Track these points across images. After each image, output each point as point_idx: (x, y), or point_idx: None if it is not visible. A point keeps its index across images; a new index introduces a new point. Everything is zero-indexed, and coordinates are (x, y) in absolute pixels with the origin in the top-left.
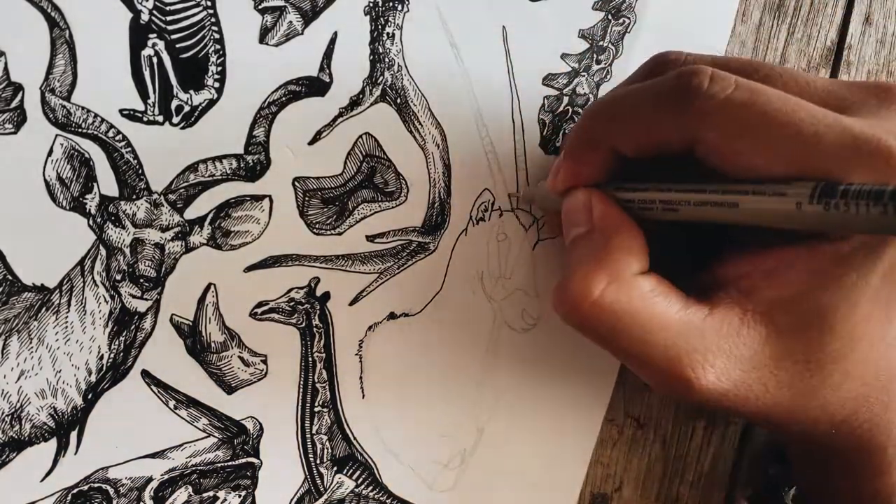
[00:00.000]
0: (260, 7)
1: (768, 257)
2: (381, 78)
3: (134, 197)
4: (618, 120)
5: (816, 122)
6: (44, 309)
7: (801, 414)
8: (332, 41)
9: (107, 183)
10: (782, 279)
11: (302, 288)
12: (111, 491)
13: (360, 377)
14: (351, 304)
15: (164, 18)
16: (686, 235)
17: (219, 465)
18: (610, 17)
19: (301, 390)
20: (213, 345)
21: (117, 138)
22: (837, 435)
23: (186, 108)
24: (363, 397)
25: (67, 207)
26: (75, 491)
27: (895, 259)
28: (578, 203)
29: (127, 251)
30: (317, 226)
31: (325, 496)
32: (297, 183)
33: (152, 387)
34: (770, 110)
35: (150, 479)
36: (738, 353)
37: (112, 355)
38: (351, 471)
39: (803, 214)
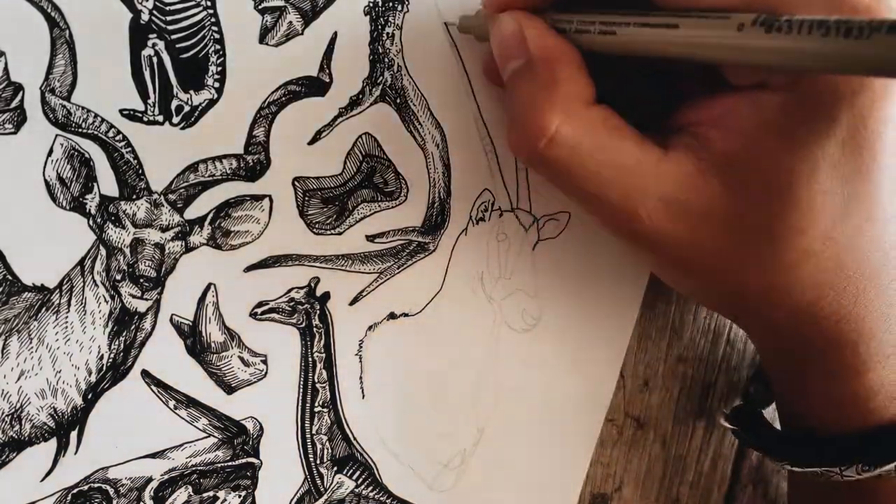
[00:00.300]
0: (260, 7)
1: (716, 104)
2: (381, 78)
3: (134, 197)
4: None
5: None
6: (44, 309)
7: (755, 289)
8: (332, 41)
9: (107, 183)
10: (730, 129)
11: (302, 288)
12: (111, 491)
13: (360, 377)
14: (351, 304)
15: (164, 18)
16: (637, 91)
17: (219, 465)
18: None
19: (301, 390)
20: (213, 345)
21: (117, 138)
22: (802, 325)
23: (186, 108)
24: (363, 397)
25: (67, 207)
26: (75, 491)
27: (853, 124)
28: (509, 30)
29: (127, 251)
30: (317, 226)
31: (325, 496)
32: (297, 183)
33: (152, 387)
34: None
35: (150, 479)
36: (691, 201)
37: (112, 355)
38: (351, 471)
39: (745, 43)
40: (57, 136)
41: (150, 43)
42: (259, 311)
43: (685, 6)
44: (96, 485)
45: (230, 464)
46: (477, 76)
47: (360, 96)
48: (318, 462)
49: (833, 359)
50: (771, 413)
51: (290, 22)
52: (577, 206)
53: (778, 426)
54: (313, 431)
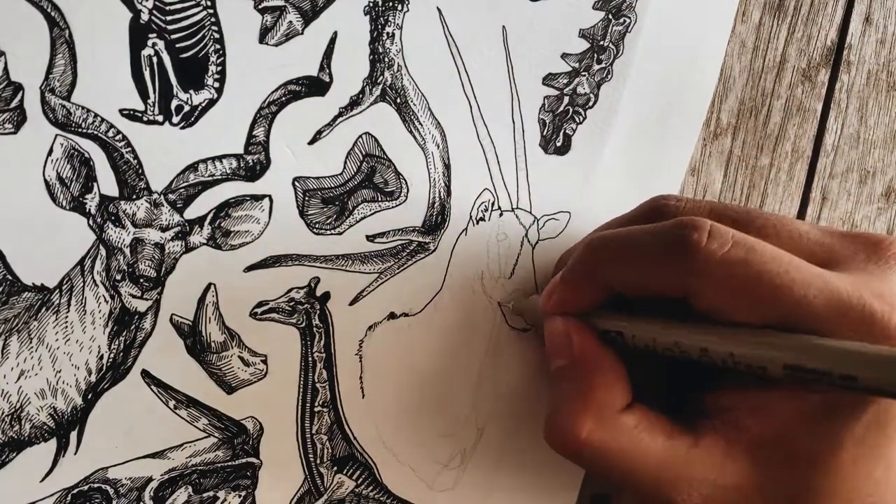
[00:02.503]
0: (260, 7)
1: (755, 395)
2: (381, 78)
3: (134, 197)
4: (616, 262)
5: (807, 284)
6: (44, 309)
7: None
8: (332, 41)
9: (107, 183)
10: (768, 417)
11: (302, 288)
12: (111, 491)
13: (360, 377)
14: (351, 303)
15: (164, 18)
16: (673, 377)
17: (219, 465)
18: (610, 16)
19: (301, 390)
20: (213, 345)
21: (117, 138)
22: None
23: (186, 108)
24: (363, 397)
25: (67, 207)
26: (75, 491)
27: (878, 412)
28: (559, 333)
29: (127, 251)
30: (317, 226)
31: (325, 496)
32: (297, 183)
33: (152, 387)
34: (764, 270)
35: (149, 480)
36: (722, 482)
37: (112, 355)
38: (351, 471)
39: (783, 374)
40: (57, 135)
41: (150, 43)
42: (259, 311)
43: (729, 321)
44: (96, 485)
45: (230, 464)
46: (477, 76)
47: (360, 96)
48: (318, 462)
49: None
50: None
51: (290, 22)
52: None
53: None
54: (313, 431)
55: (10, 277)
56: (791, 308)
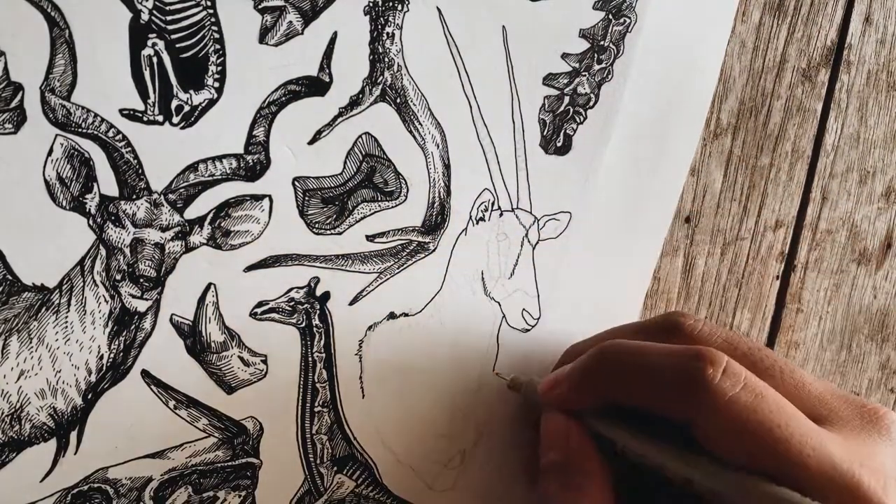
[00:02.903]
0: (260, 7)
1: None
2: (381, 78)
3: (134, 197)
4: (625, 378)
5: (804, 442)
6: (44, 309)
7: None
8: (332, 41)
9: (107, 183)
10: None
11: (302, 288)
12: (111, 491)
13: (360, 377)
14: (351, 303)
15: (164, 18)
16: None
17: (219, 465)
18: (611, 16)
19: (301, 390)
20: (213, 345)
21: (117, 138)
22: None
23: (186, 108)
24: (363, 397)
25: (67, 207)
26: (75, 491)
27: None
28: (558, 428)
29: (127, 251)
30: (317, 226)
31: (325, 496)
32: (297, 183)
33: (152, 387)
34: (766, 420)
35: (149, 480)
36: None
37: (112, 355)
38: (351, 471)
39: None
40: (57, 135)
41: (150, 43)
42: (259, 311)
43: (723, 455)
44: (96, 485)
45: (230, 464)
46: (477, 76)
47: (360, 96)
48: (318, 462)
49: None
50: None
51: (290, 22)
52: None
53: None
54: (313, 431)
55: (10, 277)
56: (784, 461)
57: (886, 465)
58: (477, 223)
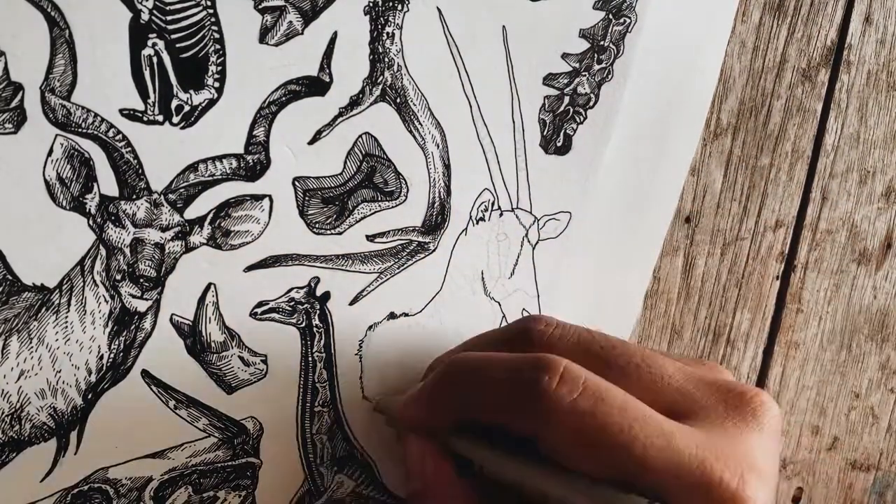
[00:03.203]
0: (260, 7)
1: None
2: (381, 78)
3: (134, 197)
4: (469, 391)
5: (649, 443)
6: (44, 309)
7: None
8: (332, 41)
9: (107, 183)
10: None
11: (302, 288)
12: (111, 491)
13: (360, 377)
14: (351, 303)
15: (164, 18)
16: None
17: (219, 465)
18: (611, 16)
19: (301, 390)
20: (213, 345)
21: (117, 138)
22: None
23: (186, 108)
24: (363, 397)
25: (67, 207)
26: (75, 491)
27: None
28: (415, 453)
29: (127, 251)
30: (317, 225)
31: (325, 496)
32: (297, 183)
33: (152, 387)
34: (608, 423)
35: (150, 480)
36: None
37: (112, 355)
38: (351, 471)
39: None
40: (57, 135)
41: (150, 43)
42: (259, 310)
43: (573, 468)
44: (96, 485)
45: (230, 464)
46: (477, 76)
47: (360, 96)
48: (318, 462)
49: None
50: None
51: (290, 21)
52: None
53: None
54: (313, 431)
55: (10, 277)
56: (629, 466)
57: (749, 455)
58: (477, 223)
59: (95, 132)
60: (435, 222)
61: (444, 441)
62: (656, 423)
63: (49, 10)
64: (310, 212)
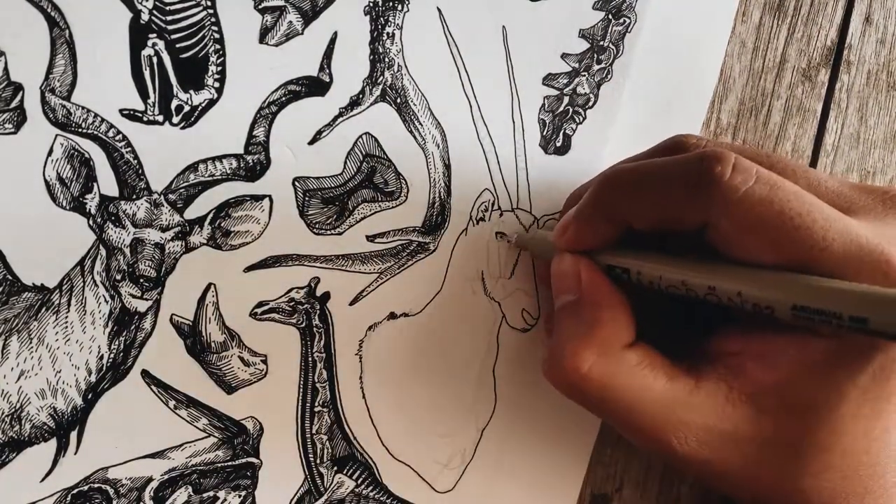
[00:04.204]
0: (260, 7)
1: (760, 341)
2: (381, 78)
3: (134, 197)
4: (634, 193)
5: (828, 226)
6: (44, 309)
7: (779, 494)
8: (332, 41)
9: (107, 183)
10: (772, 365)
11: (302, 288)
12: (111, 491)
13: (360, 377)
14: (351, 304)
15: (164, 18)
16: (677, 320)
17: (219, 465)
18: (610, 16)
19: (301, 390)
20: (213, 345)
21: (117, 138)
22: None
23: (186, 108)
24: (363, 397)
25: (67, 207)
26: (75, 491)
27: (884, 362)
28: (567, 269)
29: (127, 251)
30: (317, 226)
31: (325, 496)
32: (297, 183)
33: (152, 387)
34: (786, 209)
35: (150, 480)
36: (720, 427)
37: (112, 355)
38: (351, 471)
39: (795, 314)
40: (57, 135)
41: (150, 43)
42: (259, 311)
43: (743, 259)
44: (96, 485)
45: (230, 464)
46: (477, 76)
47: (361, 96)
48: (318, 462)
49: None
50: None
51: (290, 22)
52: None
53: None
54: (313, 431)
55: (10, 277)
56: (808, 249)
57: None
58: (477, 223)
59: (95, 132)
60: (435, 222)
61: (595, 259)
62: (830, 210)
63: (49, 10)
64: (310, 212)
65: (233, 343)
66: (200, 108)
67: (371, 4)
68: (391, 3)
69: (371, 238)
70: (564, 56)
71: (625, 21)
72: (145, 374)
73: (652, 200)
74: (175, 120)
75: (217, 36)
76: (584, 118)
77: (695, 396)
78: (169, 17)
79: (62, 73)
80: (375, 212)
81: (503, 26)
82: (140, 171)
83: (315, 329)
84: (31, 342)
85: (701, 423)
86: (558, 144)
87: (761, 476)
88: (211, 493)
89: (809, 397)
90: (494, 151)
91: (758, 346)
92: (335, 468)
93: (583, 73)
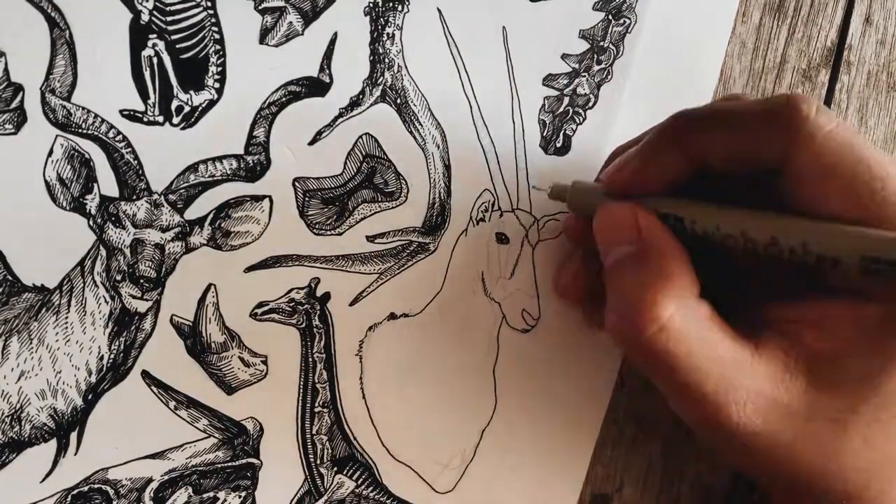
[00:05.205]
0: (260, 7)
1: (817, 308)
2: (381, 78)
3: (134, 197)
4: (718, 127)
5: None
6: (44, 309)
7: (819, 475)
8: (332, 41)
9: (107, 183)
10: (828, 332)
11: (302, 288)
12: (111, 492)
13: (360, 377)
14: (351, 304)
15: (164, 19)
16: (731, 283)
17: (219, 465)
18: (610, 17)
19: (301, 391)
20: (213, 345)
21: (117, 139)
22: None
23: (186, 109)
24: (363, 397)
25: (67, 208)
26: (75, 492)
27: None
28: (623, 218)
29: (127, 251)
30: (317, 226)
31: (325, 496)
32: (297, 183)
33: (152, 387)
34: (865, 157)
35: (150, 480)
36: (777, 396)
37: (112, 356)
38: (351, 471)
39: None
40: (57, 136)
41: (150, 43)
42: (259, 311)
43: (811, 208)
44: (96, 486)
45: (230, 464)
46: (477, 76)
47: (361, 97)
48: (318, 462)
49: None
50: None
51: (290, 22)
52: (665, 393)
53: None
54: (313, 431)
55: (11, 278)
56: (880, 201)
57: None
58: (477, 223)
59: (95, 133)
60: (435, 223)
61: (648, 207)
62: None
63: (49, 10)
64: (310, 212)
65: (233, 343)
66: (200, 108)
67: (371, 5)
68: (391, 4)
69: (371, 238)
70: (564, 56)
71: (625, 22)
72: (145, 374)
73: (733, 134)
74: (175, 120)
75: (217, 36)
76: (585, 119)
77: (756, 362)
78: (169, 18)
79: (62, 73)
80: (375, 212)
81: (503, 26)
82: (140, 172)
83: (315, 329)
84: (31, 343)
85: (759, 390)
86: (558, 145)
87: (804, 454)
88: (211, 494)
89: (864, 367)
90: (494, 151)
91: (813, 313)
92: (335, 469)
93: (583, 74)
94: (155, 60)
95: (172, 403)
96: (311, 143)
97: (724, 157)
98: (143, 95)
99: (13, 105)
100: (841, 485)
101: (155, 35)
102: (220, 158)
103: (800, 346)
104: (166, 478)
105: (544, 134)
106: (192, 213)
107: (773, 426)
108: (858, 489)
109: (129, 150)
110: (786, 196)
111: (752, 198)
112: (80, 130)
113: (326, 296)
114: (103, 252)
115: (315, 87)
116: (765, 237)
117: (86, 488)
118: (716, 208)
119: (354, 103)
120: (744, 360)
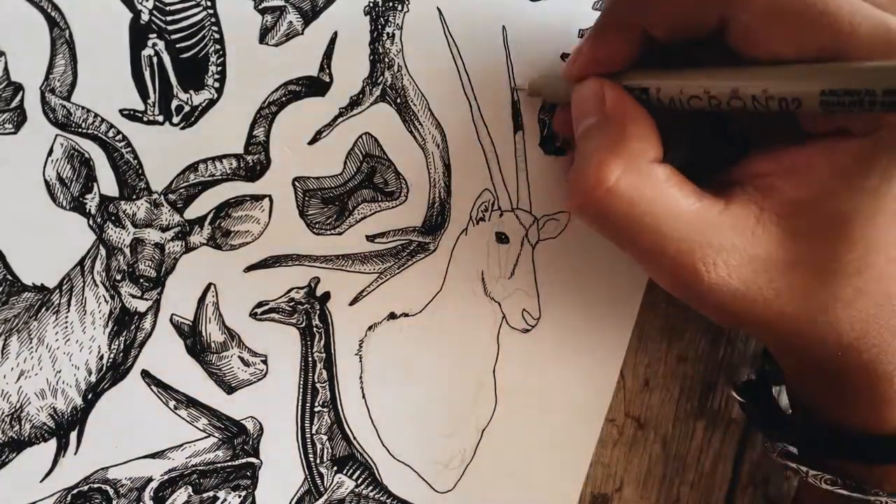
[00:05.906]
0: (260, 7)
1: (789, 155)
2: (381, 78)
3: (134, 197)
4: (650, 5)
5: (854, 10)
6: (44, 309)
7: (809, 328)
8: (332, 41)
9: (107, 183)
10: (802, 178)
11: (302, 288)
12: (111, 491)
13: (360, 377)
14: (351, 304)
15: (164, 18)
16: (701, 140)
17: (219, 465)
18: None
19: (301, 390)
20: (213, 345)
21: (117, 138)
22: (844, 358)
23: (186, 108)
24: (363, 397)
25: (67, 207)
26: (75, 491)
27: None
28: (590, 92)
29: (127, 251)
30: (317, 226)
31: (325, 496)
32: (297, 183)
33: (152, 387)
34: None
35: (149, 480)
36: (751, 251)
37: (112, 355)
38: (351, 471)
39: (825, 98)
40: (57, 136)
41: (150, 43)
42: (259, 311)
43: (764, 56)
44: (96, 485)
45: (230, 464)
46: (477, 76)
47: (361, 96)
48: (318, 462)
49: (867, 389)
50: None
51: (290, 22)
52: (636, 262)
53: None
54: (313, 431)
55: (10, 277)
56: (834, 35)
57: None
58: (477, 223)
59: (95, 132)
60: (435, 222)
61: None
62: None
63: (49, 9)
64: (310, 212)
65: (233, 343)
66: (200, 108)
67: (371, 4)
68: (391, 3)
69: (371, 238)
70: (564, 56)
71: None
72: (145, 374)
73: (668, 4)
74: (175, 120)
75: (217, 36)
76: None
77: (724, 217)
78: (169, 18)
79: (62, 73)
80: (375, 212)
81: (503, 26)
82: (140, 171)
83: (315, 329)
84: (31, 342)
85: (731, 247)
86: (558, 144)
87: (789, 307)
88: (211, 494)
89: (842, 209)
90: (494, 151)
91: (786, 162)
92: (335, 468)
93: None
94: (155, 60)
95: (172, 403)
96: (311, 142)
97: (666, 28)
98: (143, 95)
99: (13, 104)
100: (834, 336)
101: (155, 34)
102: (220, 158)
103: (774, 197)
104: (166, 477)
105: (544, 133)
106: (192, 212)
107: (751, 283)
108: (853, 339)
109: (129, 149)
110: (742, 51)
111: (716, 61)
112: (79, 130)
113: (326, 295)
114: (103, 251)
115: (315, 86)
116: (726, 92)
117: (86, 488)
118: (676, 73)
119: (354, 103)
120: (710, 217)
